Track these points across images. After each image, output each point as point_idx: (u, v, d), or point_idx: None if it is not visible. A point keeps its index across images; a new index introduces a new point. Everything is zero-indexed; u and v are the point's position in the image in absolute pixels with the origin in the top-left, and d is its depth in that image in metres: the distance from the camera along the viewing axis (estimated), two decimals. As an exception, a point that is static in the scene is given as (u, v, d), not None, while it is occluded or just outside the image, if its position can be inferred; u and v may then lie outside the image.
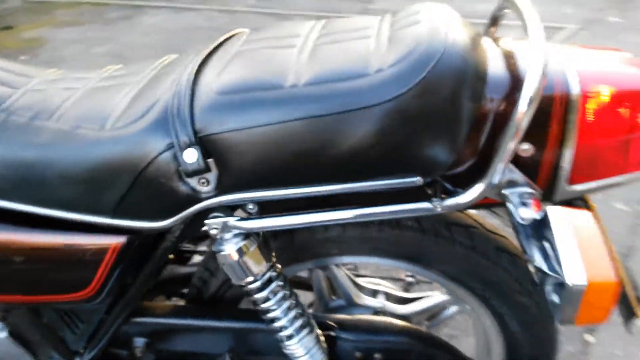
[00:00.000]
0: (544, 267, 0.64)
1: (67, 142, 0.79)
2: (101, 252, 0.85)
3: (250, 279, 0.85)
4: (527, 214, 0.69)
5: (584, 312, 0.61)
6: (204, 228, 0.82)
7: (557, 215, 0.66)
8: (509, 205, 0.72)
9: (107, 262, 0.86)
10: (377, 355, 0.98)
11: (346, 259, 1.00)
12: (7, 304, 0.96)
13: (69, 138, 0.79)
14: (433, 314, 1.12)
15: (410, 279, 1.25)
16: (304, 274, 1.15)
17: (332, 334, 0.97)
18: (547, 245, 0.66)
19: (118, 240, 0.85)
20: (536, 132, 0.72)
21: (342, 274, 1.07)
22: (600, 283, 0.60)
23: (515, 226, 0.72)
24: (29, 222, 0.85)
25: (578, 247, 0.62)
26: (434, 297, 1.12)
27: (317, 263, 1.02)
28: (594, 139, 0.75)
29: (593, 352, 1.71)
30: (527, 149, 0.74)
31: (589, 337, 1.77)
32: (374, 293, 1.14)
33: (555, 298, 0.62)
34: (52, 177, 0.80)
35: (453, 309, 1.10)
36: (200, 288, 1.03)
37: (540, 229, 0.68)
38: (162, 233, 0.88)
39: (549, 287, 0.64)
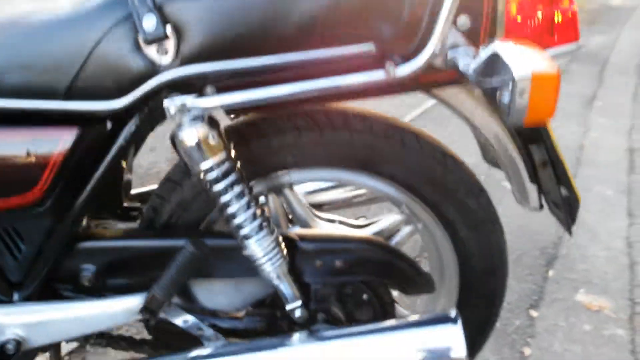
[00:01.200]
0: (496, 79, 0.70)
1: (18, 23, 0.79)
2: (50, 145, 0.83)
3: (208, 164, 0.85)
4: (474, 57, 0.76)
5: (532, 109, 0.67)
6: (166, 107, 0.81)
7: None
8: (460, 64, 0.79)
9: (57, 158, 0.84)
10: (337, 263, 0.98)
11: (299, 175, 1.02)
12: None
13: (22, 19, 0.80)
14: (387, 237, 1.14)
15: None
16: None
17: (292, 242, 0.97)
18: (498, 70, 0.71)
19: (69, 131, 0.83)
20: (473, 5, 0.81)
21: (296, 199, 1.08)
22: (543, 74, 0.66)
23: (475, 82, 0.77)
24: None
25: (521, 52, 0.69)
26: (386, 219, 1.15)
27: (272, 182, 1.03)
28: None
29: (538, 324, 1.77)
30: (464, 22, 0.82)
31: (533, 312, 1.83)
32: (329, 222, 1.15)
33: (505, 98, 0.68)
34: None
35: (406, 229, 1.13)
36: (152, 217, 1.01)
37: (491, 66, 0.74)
38: (114, 132, 0.87)
39: (500, 94, 0.69)
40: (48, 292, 0.98)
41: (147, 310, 0.91)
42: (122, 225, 1.02)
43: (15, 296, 0.97)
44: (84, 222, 0.95)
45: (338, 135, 0.97)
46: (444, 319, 0.89)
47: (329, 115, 0.97)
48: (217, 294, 1.00)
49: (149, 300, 0.91)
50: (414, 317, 0.92)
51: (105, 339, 1.06)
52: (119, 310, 0.94)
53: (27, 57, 0.79)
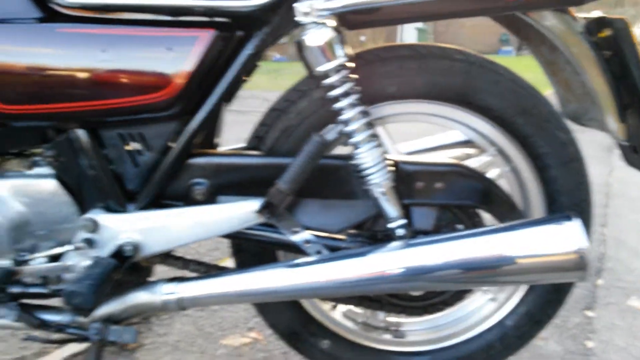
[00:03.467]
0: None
1: None
2: (186, 46, 0.89)
3: (330, 66, 0.90)
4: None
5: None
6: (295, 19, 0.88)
7: None
8: None
9: (190, 61, 0.90)
10: (437, 185, 1.01)
11: (398, 107, 1.07)
12: (72, 115, 0.93)
13: None
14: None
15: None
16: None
17: (394, 163, 1.00)
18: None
19: (205, 33, 0.89)
20: None
21: (388, 137, 1.13)
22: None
23: None
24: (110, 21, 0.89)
25: None
26: (472, 161, 1.18)
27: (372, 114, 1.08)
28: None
29: (596, 323, 1.75)
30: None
31: (589, 313, 1.81)
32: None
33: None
34: None
35: (494, 173, 1.16)
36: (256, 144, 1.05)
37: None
38: (243, 39, 0.93)
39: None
40: (160, 206, 1.00)
41: (268, 207, 0.93)
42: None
43: (129, 207, 0.99)
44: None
45: (438, 62, 1.03)
46: (561, 217, 0.90)
47: (428, 47, 1.04)
48: (318, 214, 1.02)
49: (272, 193, 0.93)
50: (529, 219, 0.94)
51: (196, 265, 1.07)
52: (237, 213, 0.96)
53: None
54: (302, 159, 0.93)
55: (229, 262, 1.19)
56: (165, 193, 1.00)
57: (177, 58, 0.90)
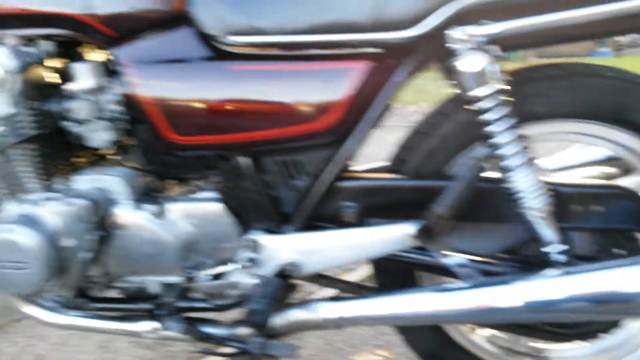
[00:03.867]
0: None
1: None
2: (342, 76, 0.95)
3: (486, 91, 0.91)
4: None
5: None
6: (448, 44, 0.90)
7: None
8: None
9: (345, 88, 0.94)
10: (596, 208, 0.97)
11: (546, 128, 1.05)
12: (238, 144, 1.01)
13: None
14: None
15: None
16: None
17: (551, 185, 0.98)
18: None
19: (359, 64, 0.94)
20: None
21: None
22: None
23: None
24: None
25: None
26: (624, 181, 1.13)
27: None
28: None
29: None
30: None
31: None
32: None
33: None
34: None
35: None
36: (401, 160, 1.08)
37: None
38: (394, 68, 0.97)
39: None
40: (313, 228, 1.06)
41: (425, 231, 0.95)
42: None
43: (285, 229, 1.05)
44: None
45: (589, 81, 1.00)
46: None
47: (577, 65, 1.02)
48: (469, 237, 1.02)
49: (430, 217, 0.95)
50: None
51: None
52: (392, 236, 0.99)
53: None
54: (460, 182, 0.94)
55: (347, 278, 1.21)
56: (317, 215, 1.05)
57: (333, 89, 0.95)
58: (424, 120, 1.08)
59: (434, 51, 0.95)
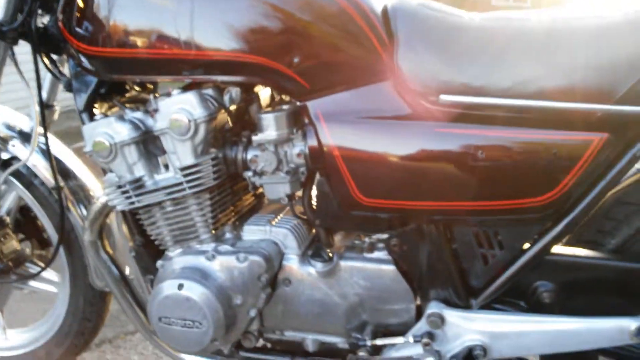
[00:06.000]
0: None
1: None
2: (579, 149, 0.83)
3: None
4: None
5: None
6: None
7: None
8: None
9: (582, 164, 0.83)
10: None
11: None
12: (429, 212, 0.92)
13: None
14: None
15: None
16: None
17: None
18: None
19: (598, 136, 0.82)
20: None
21: None
22: None
23: None
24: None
25: None
26: None
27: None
28: None
29: None
30: None
31: None
32: None
33: None
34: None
35: None
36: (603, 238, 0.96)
37: None
38: (630, 142, 0.84)
39: None
40: (500, 303, 0.96)
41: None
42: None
43: (472, 302, 0.96)
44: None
45: None
46: None
47: None
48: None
49: None
50: None
51: None
52: (606, 330, 0.88)
53: (581, 62, 0.81)
54: None
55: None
56: (508, 291, 0.95)
57: (565, 163, 0.84)
58: (635, 189, 0.96)
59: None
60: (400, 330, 1.00)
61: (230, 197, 1.06)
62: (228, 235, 1.03)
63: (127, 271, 1.20)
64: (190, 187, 0.96)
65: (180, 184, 0.97)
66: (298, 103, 0.96)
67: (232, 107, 0.99)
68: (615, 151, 0.84)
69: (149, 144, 1.00)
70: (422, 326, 0.96)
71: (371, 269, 1.00)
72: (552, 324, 0.91)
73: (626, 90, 0.79)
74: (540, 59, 0.84)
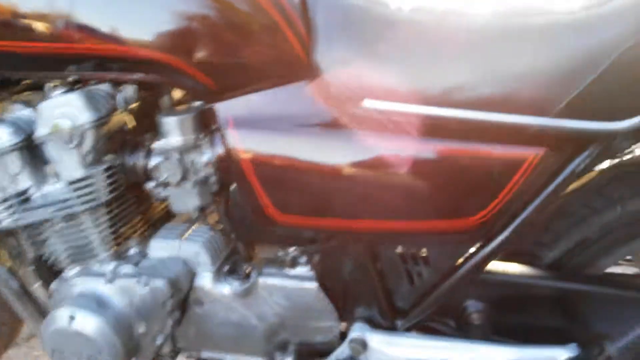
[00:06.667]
0: None
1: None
2: (513, 167, 0.74)
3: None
4: None
5: None
6: None
7: None
8: None
9: (518, 179, 0.74)
10: None
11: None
12: (350, 233, 0.83)
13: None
14: None
15: None
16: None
17: None
18: None
19: (537, 150, 0.73)
20: None
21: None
22: None
23: None
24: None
25: None
26: None
27: None
28: None
29: None
30: None
31: None
32: None
33: None
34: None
35: None
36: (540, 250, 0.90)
37: None
38: (570, 159, 0.76)
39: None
40: (429, 321, 0.89)
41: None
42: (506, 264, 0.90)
43: (398, 324, 0.89)
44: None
45: None
46: None
47: None
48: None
49: (594, 353, 0.78)
50: None
51: None
52: (537, 358, 0.82)
53: (519, 69, 0.71)
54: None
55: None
56: (436, 310, 0.88)
57: (498, 180, 0.75)
58: (577, 202, 0.88)
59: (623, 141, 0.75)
60: (325, 349, 0.92)
61: (136, 206, 0.93)
62: (132, 251, 0.92)
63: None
64: (81, 203, 0.84)
65: (71, 199, 0.84)
66: (205, 105, 0.83)
67: (128, 109, 0.86)
68: (553, 168, 0.75)
69: (37, 150, 0.87)
70: (344, 350, 0.89)
71: (292, 287, 0.90)
72: (479, 352, 0.84)
73: (566, 103, 0.70)
74: (474, 64, 0.74)
